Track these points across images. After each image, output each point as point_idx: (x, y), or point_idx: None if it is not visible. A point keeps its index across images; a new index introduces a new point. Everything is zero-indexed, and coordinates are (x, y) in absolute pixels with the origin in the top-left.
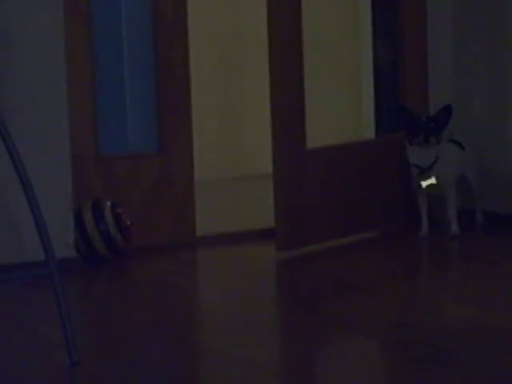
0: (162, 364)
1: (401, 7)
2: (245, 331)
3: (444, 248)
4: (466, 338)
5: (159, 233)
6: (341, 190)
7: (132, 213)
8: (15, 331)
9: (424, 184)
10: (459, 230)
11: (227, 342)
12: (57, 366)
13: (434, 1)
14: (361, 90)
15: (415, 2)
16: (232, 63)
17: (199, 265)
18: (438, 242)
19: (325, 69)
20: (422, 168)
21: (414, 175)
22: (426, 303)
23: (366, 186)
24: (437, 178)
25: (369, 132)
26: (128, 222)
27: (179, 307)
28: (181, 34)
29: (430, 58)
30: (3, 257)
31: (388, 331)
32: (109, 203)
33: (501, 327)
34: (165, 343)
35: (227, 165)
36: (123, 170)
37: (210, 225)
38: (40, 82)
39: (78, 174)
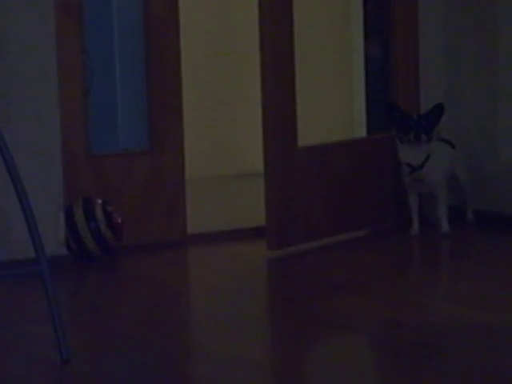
0: (152, 362)
1: (392, 5)
2: (235, 330)
3: (434, 246)
4: (455, 336)
5: (150, 231)
6: (332, 188)
7: (123, 211)
8: (5, 329)
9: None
10: (450, 228)
11: (217, 340)
12: (47, 364)
13: None
14: (352, 89)
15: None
16: (224, 61)
17: (190, 263)
18: (429, 241)
19: (316, 67)
20: (412, 166)
21: (405, 173)
22: (416, 301)
23: (357, 185)
24: (427, 177)
25: (360, 130)
26: (119, 220)
27: (170, 305)
28: (173, 31)
29: (422, 57)
30: None
31: (378, 329)
32: (100, 201)
33: (490, 325)
34: (155, 341)
35: (218, 163)
36: (114, 167)
37: (201, 223)
38: (30, 79)
39: (69, 172)
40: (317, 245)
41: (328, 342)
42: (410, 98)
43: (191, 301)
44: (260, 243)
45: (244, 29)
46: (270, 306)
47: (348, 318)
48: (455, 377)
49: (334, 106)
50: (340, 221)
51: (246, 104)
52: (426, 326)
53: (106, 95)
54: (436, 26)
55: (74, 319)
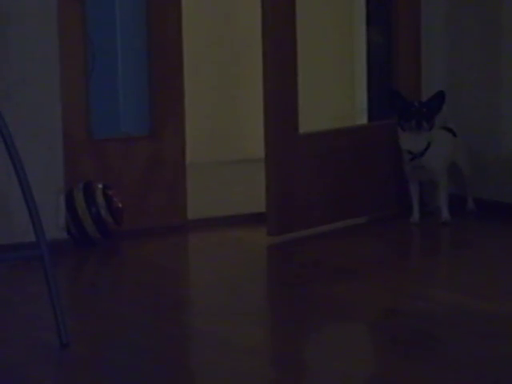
0: (152, 347)
1: None
2: (235, 316)
3: (434, 234)
4: (454, 324)
5: (150, 215)
6: (333, 175)
7: (123, 195)
8: (5, 312)
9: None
10: (450, 216)
11: (217, 325)
12: (46, 348)
13: None
14: (354, 75)
15: None
16: (226, 46)
17: (190, 248)
18: (429, 228)
19: (318, 54)
20: (413, 153)
21: (406, 161)
22: (415, 289)
23: (358, 172)
24: (428, 164)
25: (362, 118)
26: (119, 205)
27: (169, 290)
28: (174, 16)
29: (424, 45)
30: None
31: (377, 317)
32: (100, 185)
33: (489, 313)
34: (155, 327)
35: (219, 148)
36: (115, 152)
37: (202, 208)
38: (32, 63)
39: (69, 156)
40: (317, 231)
41: (326, 329)
42: (411, 86)
43: (191, 286)
44: (260, 229)
45: (247, 15)
46: (270, 291)
47: (347, 305)
48: (452, 364)
49: (335, 93)
50: (340, 208)
51: (248, 89)
52: (424, 314)
53: (107, 79)
54: (438, 14)
55: (74, 303)
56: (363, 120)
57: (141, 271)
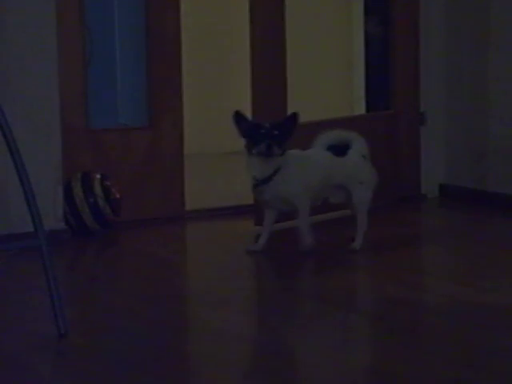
0: (149, 337)
1: None
2: (231, 305)
3: (432, 225)
4: (449, 314)
5: (148, 206)
6: None
7: (121, 186)
8: (3, 302)
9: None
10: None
11: (213, 315)
12: (44, 338)
13: None
14: (352, 66)
15: None
16: (223, 38)
17: (187, 238)
18: (422, 219)
19: (316, 44)
20: (257, 180)
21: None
22: (411, 279)
23: None
24: (278, 191)
25: (359, 109)
26: (117, 195)
27: (166, 280)
28: (173, 8)
29: (422, 35)
30: None
31: (372, 306)
32: (98, 176)
33: (484, 303)
34: (152, 316)
35: (217, 139)
36: (113, 143)
37: (199, 199)
38: (30, 54)
39: (67, 147)
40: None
41: (320, 317)
42: (409, 76)
43: (187, 275)
44: None
45: (242, 9)
46: (265, 281)
47: (341, 294)
48: (447, 353)
49: (333, 85)
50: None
51: (246, 81)
52: (419, 304)
53: (105, 71)
54: (437, 4)
55: (72, 293)
56: (361, 110)
57: (139, 261)
